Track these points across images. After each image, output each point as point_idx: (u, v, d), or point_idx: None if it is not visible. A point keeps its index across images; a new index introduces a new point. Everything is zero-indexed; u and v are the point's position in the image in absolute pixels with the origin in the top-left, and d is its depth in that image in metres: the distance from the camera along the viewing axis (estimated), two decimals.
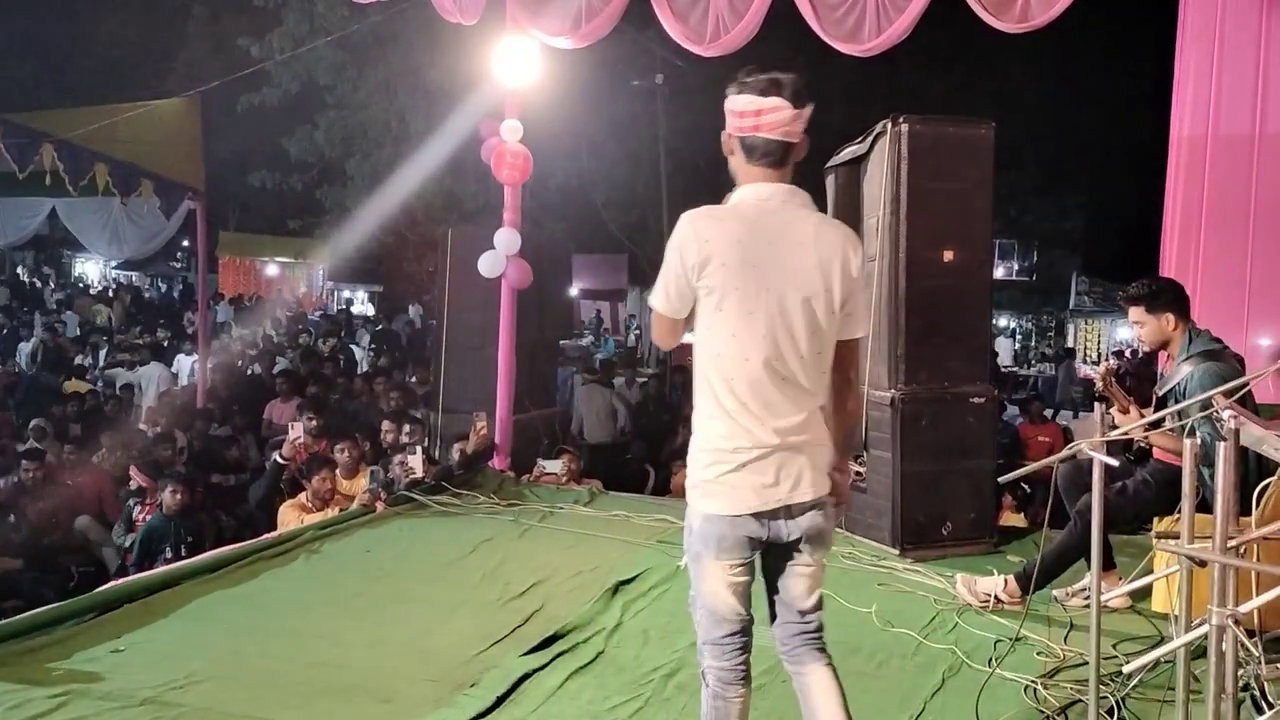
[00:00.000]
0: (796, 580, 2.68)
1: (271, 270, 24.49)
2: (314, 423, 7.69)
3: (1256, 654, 2.95)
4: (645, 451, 9.63)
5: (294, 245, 21.86)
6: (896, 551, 5.35)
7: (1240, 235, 5.75)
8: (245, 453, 8.89)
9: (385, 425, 7.51)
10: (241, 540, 5.59)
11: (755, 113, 2.52)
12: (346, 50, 14.45)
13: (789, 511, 2.55)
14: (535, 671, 3.76)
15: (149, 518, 6.26)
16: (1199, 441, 3.25)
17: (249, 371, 12.46)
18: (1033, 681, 3.69)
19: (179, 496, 6.18)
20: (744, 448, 2.50)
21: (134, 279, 27.35)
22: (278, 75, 14.54)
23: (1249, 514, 3.92)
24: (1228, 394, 3.18)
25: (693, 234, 2.49)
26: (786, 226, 2.53)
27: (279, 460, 6.65)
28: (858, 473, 5.65)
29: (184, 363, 12.61)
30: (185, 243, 23.98)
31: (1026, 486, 6.95)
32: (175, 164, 9.53)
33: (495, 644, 4.08)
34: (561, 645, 4.02)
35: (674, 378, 13.76)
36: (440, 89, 14.13)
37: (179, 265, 28.34)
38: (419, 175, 14.07)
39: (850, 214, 5.95)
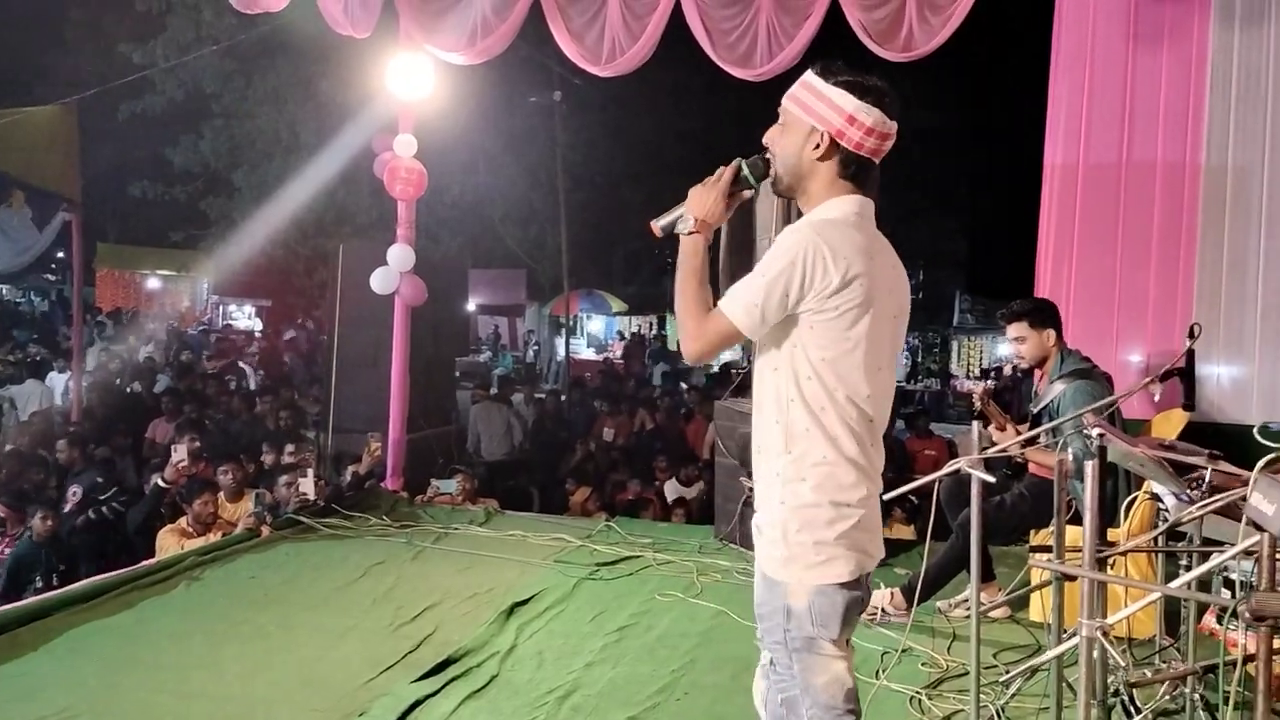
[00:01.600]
0: None
1: (153, 284, 23.59)
2: (195, 443, 7.44)
3: (1124, 663, 3.09)
4: (529, 472, 9.56)
5: (177, 258, 21.12)
6: None
7: (1109, 257, 6.04)
8: (123, 475, 8.53)
9: (266, 447, 7.29)
10: (118, 568, 5.35)
11: (882, 135, 2.20)
12: (235, 58, 14.10)
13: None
14: (427, 698, 3.70)
15: (14, 547, 5.93)
16: (1071, 457, 3.41)
17: (129, 390, 11.96)
18: (918, 692, 3.79)
19: (49, 523, 5.89)
20: (864, 497, 2.20)
21: (4, 292, 26.01)
22: (161, 82, 14.11)
23: (1118, 525, 4.13)
24: (1098, 412, 3.33)
25: (829, 249, 2.11)
26: (887, 247, 2.26)
27: (160, 484, 6.38)
28: (751, 489, 5.71)
29: (58, 380, 12.04)
30: (60, 254, 22.93)
31: (915, 499, 7.14)
32: (49, 173, 9.13)
33: (385, 671, 4.00)
34: (454, 670, 3.97)
35: (571, 394, 13.78)
36: (332, 100, 13.91)
37: (54, 278, 27.07)
38: (309, 187, 13.81)
39: (743, 233, 6.06)
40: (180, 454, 6.43)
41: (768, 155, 2.30)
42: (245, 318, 25.49)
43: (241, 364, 15.50)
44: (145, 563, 5.32)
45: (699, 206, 2.29)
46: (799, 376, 2.17)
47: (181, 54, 13.51)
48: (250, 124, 15.14)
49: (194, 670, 3.99)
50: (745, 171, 2.31)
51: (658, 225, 2.40)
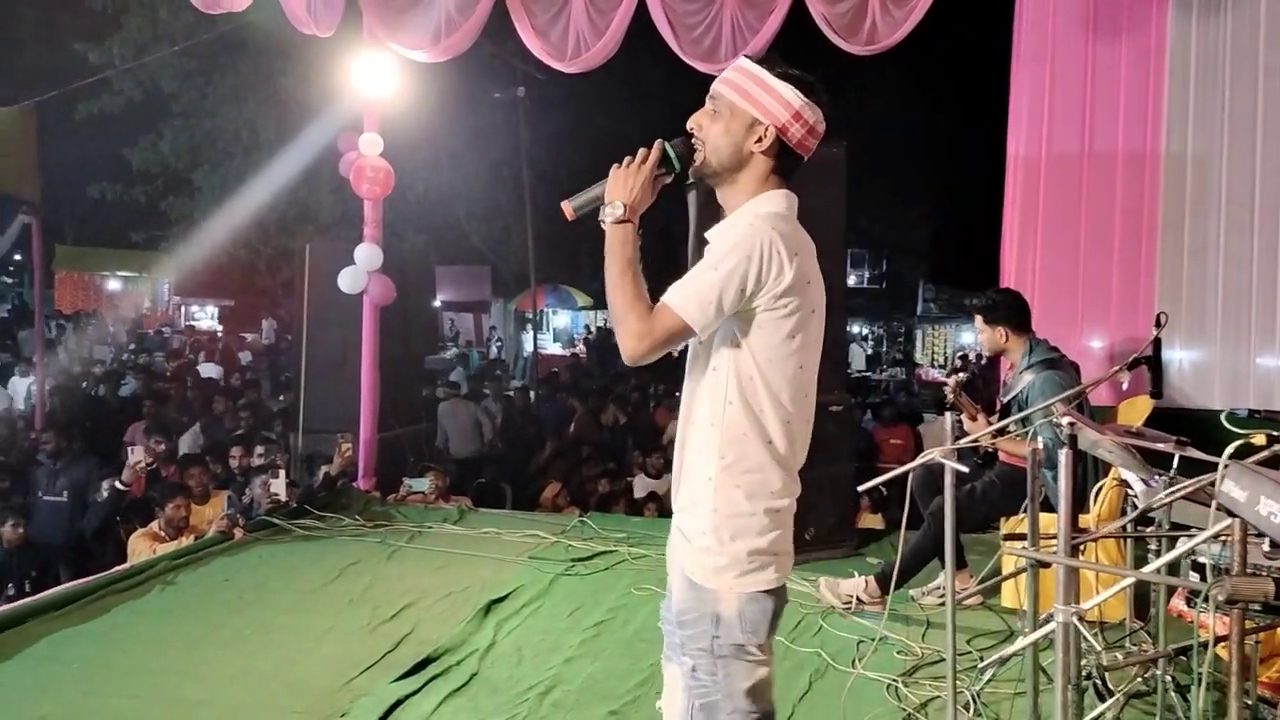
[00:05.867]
0: None
1: (113, 285, 23.27)
2: (161, 446, 7.36)
3: (1098, 646, 3.16)
4: (500, 469, 9.53)
5: (137, 259, 20.85)
6: None
7: (1073, 246, 6.12)
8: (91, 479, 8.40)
9: (234, 449, 7.21)
10: (87, 574, 5.29)
11: (818, 135, 2.18)
12: (193, 57, 13.92)
13: None
14: (408, 697, 3.70)
15: None
16: (1041, 446, 3.47)
17: (94, 393, 11.79)
18: (894, 680, 3.84)
19: (19, 530, 5.82)
20: (789, 503, 2.16)
21: None
22: (119, 82, 13.90)
23: (1087, 512, 4.22)
24: (1067, 401, 3.39)
25: (784, 244, 2.05)
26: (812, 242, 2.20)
27: (118, 487, 6.30)
28: None
29: (19, 385, 11.86)
30: (18, 257, 22.57)
31: (883, 489, 7.21)
32: (8, 176, 9.00)
33: (365, 671, 3.99)
34: (434, 669, 3.97)
35: (539, 390, 13.75)
36: (293, 98, 13.78)
37: (11, 280, 26.64)
38: (271, 186, 13.68)
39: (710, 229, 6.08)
40: (137, 455, 6.36)
41: (693, 139, 2.18)
42: (208, 318, 25.21)
43: (206, 364, 15.34)
44: (118, 568, 5.26)
45: (623, 190, 2.13)
46: (741, 377, 2.09)
47: (139, 53, 13.32)
48: (210, 123, 14.97)
49: (172, 675, 3.96)
50: (670, 154, 2.16)
51: (571, 205, 2.20)
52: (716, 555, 2.09)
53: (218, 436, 8.78)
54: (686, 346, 2.22)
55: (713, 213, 6.89)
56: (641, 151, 2.17)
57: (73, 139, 14.71)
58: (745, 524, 2.10)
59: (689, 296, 2.04)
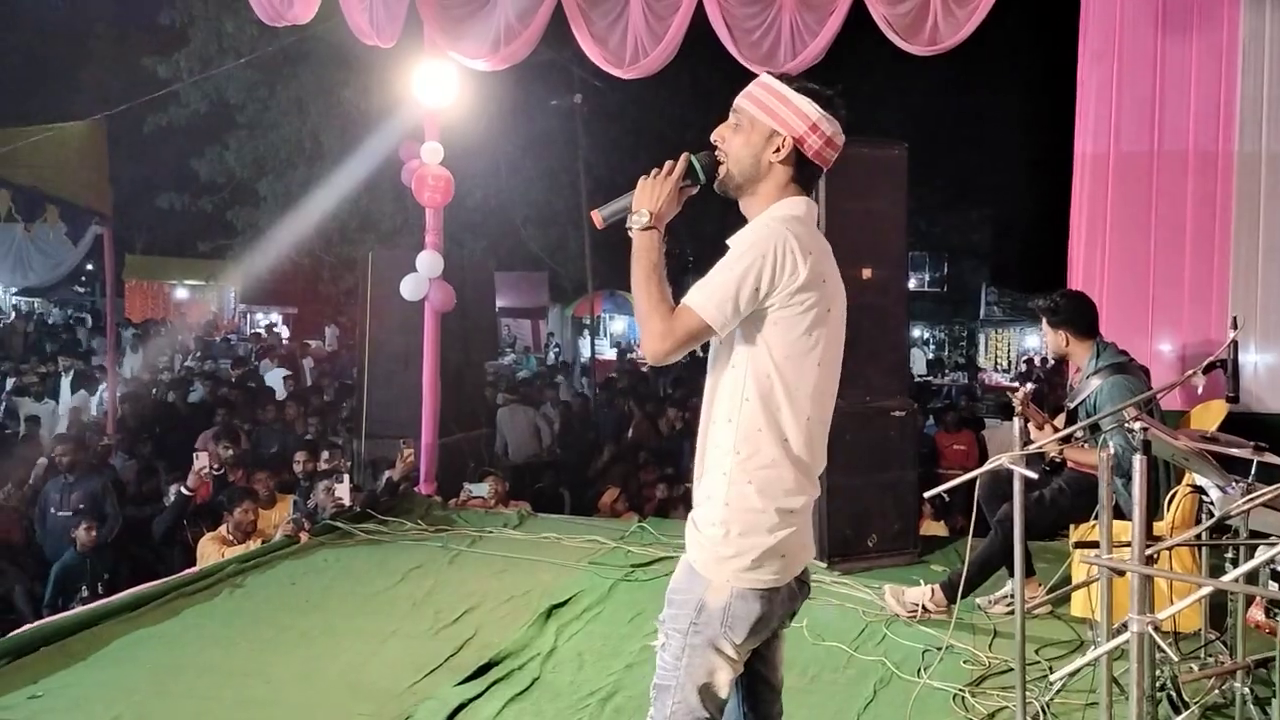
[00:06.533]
0: (778, 647, 2.39)
1: (181, 294, 23.83)
2: (230, 452, 7.51)
3: (1175, 657, 3.07)
4: (558, 474, 9.57)
5: (204, 268, 21.32)
6: (824, 564, 5.42)
7: (1143, 248, 5.98)
8: (159, 484, 8.61)
9: (299, 455, 7.33)
10: (156, 577, 5.41)
11: (836, 147, 2.26)
12: (257, 69, 14.22)
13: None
14: (471, 701, 3.73)
15: (60, 558, 6.02)
16: (1113, 453, 3.39)
17: (167, 399, 12.07)
18: (961, 690, 3.78)
19: (93, 533, 5.98)
20: (804, 504, 2.22)
21: (36, 305, 26.34)
22: (186, 95, 14.25)
23: (1160, 519, 4.11)
24: (1138, 406, 3.31)
25: (797, 244, 2.13)
26: (830, 248, 2.28)
27: (184, 492, 6.45)
28: None
29: (79, 395, 12.16)
30: (90, 267, 23.22)
31: (945, 495, 7.10)
32: (81, 188, 9.24)
33: (429, 674, 4.03)
34: (496, 673, 4.00)
35: (598, 395, 13.79)
36: (355, 108, 14.00)
37: (83, 290, 27.40)
38: (334, 195, 13.89)
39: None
40: (202, 461, 6.50)
41: (718, 153, 2.28)
42: (272, 325, 25.68)
43: (271, 370, 15.61)
44: (187, 571, 5.38)
45: (650, 200, 2.24)
46: (758, 375, 2.16)
47: (205, 66, 13.64)
48: (274, 133, 15.27)
49: (241, 676, 4.04)
50: (696, 166, 2.27)
51: (601, 215, 2.32)
52: (721, 546, 2.15)
53: (284, 442, 8.95)
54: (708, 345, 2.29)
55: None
56: (668, 164, 2.27)
57: (142, 151, 15.12)
58: (756, 520, 2.15)
59: (709, 296, 2.12)
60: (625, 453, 9.86)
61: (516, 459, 9.98)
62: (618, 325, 28.37)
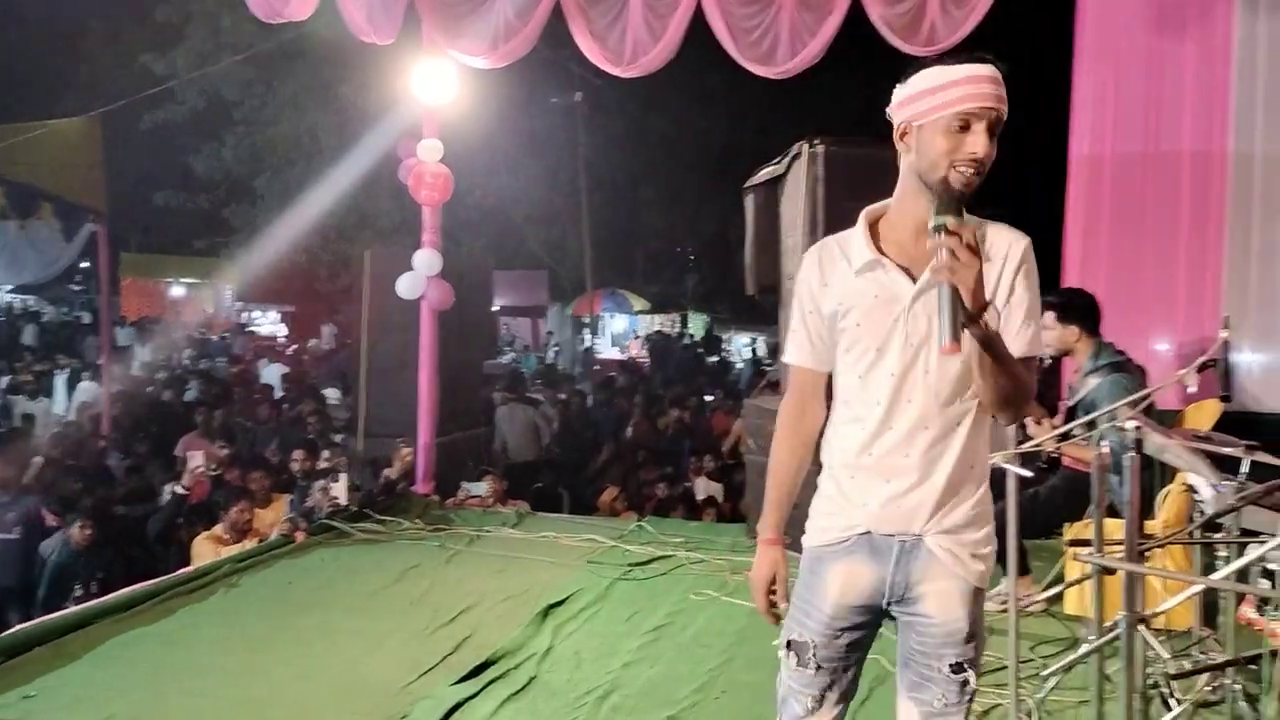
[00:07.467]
0: None
1: (177, 291, 23.84)
2: (225, 451, 7.51)
3: (1166, 654, 3.09)
4: (557, 473, 9.57)
5: (200, 265, 21.35)
6: None
7: (1138, 249, 6.00)
8: (152, 483, 8.59)
9: (297, 453, 7.32)
10: (150, 576, 5.41)
11: None
12: (254, 66, 14.22)
13: None
14: (467, 700, 3.74)
15: (55, 556, 6.01)
16: (1107, 451, 3.41)
17: (162, 397, 12.07)
18: None
19: (88, 532, 5.97)
20: None
21: (30, 303, 26.30)
22: (182, 92, 14.24)
23: (1153, 517, 4.13)
24: (1133, 405, 3.33)
25: None
26: None
27: (178, 491, 6.44)
28: None
29: (87, 390, 12.17)
30: (85, 264, 23.19)
31: None
32: (76, 185, 9.24)
33: (425, 673, 4.04)
34: (493, 672, 4.00)
35: (598, 394, 13.80)
36: (352, 105, 14.01)
37: (78, 288, 27.36)
38: (331, 193, 13.89)
39: (769, 234, 6.06)
40: (196, 460, 6.49)
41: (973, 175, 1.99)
42: (269, 323, 25.68)
43: (269, 367, 15.62)
44: (183, 570, 5.38)
45: (967, 287, 1.83)
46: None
47: (202, 63, 13.64)
48: (271, 130, 15.27)
49: (237, 676, 4.04)
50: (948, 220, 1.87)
51: (948, 339, 1.86)
52: (987, 550, 2.11)
53: (283, 440, 8.94)
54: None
55: (771, 216, 6.85)
56: (945, 243, 1.85)
57: (138, 148, 15.09)
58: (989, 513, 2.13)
59: (1037, 324, 2.06)
60: (624, 452, 9.87)
61: (516, 458, 9.98)
62: (618, 324, 28.39)
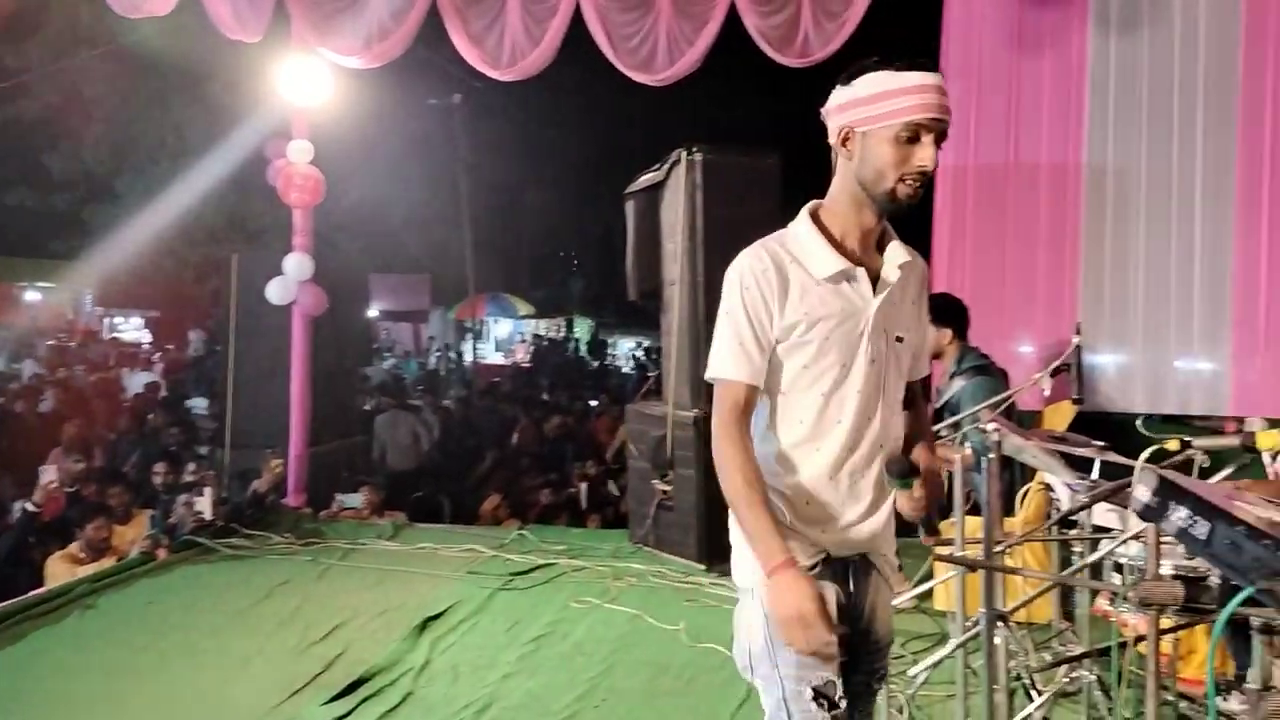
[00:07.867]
0: None
1: (31, 296, 22.55)
2: (80, 465, 7.14)
3: (1027, 648, 3.21)
4: (438, 481, 9.42)
5: (57, 269, 20.25)
6: (703, 567, 5.48)
7: (1000, 254, 6.24)
8: (1, 499, 8.08)
9: (158, 466, 6.99)
10: None
11: None
12: (117, 60, 13.59)
13: None
14: None
15: None
16: (970, 452, 3.52)
17: (14, 409, 11.38)
18: None
19: None
20: None
21: None
22: (37, 86, 13.50)
23: (1014, 515, 4.29)
24: (994, 407, 3.45)
25: None
26: None
27: (29, 509, 6.08)
28: (664, 491, 5.78)
29: None
30: None
31: None
32: None
33: (295, 694, 3.91)
34: (366, 690, 3.90)
35: (481, 400, 13.64)
36: (221, 103, 13.51)
37: None
38: (198, 193, 13.39)
39: (649, 238, 6.08)
40: (49, 475, 6.15)
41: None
42: (133, 329, 24.55)
43: (132, 376, 14.93)
44: (34, 592, 5.08)
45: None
46: None
47: (58, 57, 12.97)
48: (134, 128, 14.62)
49: (92, 704, 3.84)
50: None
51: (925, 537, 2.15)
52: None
53: (144, 452, 8.54)
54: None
55: (651, 221, 6.85)
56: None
57: None
58: None
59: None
60: (507, 459, 9.77)
61: (397, 467, 9.77)
62: (502, 329, 28.15)
